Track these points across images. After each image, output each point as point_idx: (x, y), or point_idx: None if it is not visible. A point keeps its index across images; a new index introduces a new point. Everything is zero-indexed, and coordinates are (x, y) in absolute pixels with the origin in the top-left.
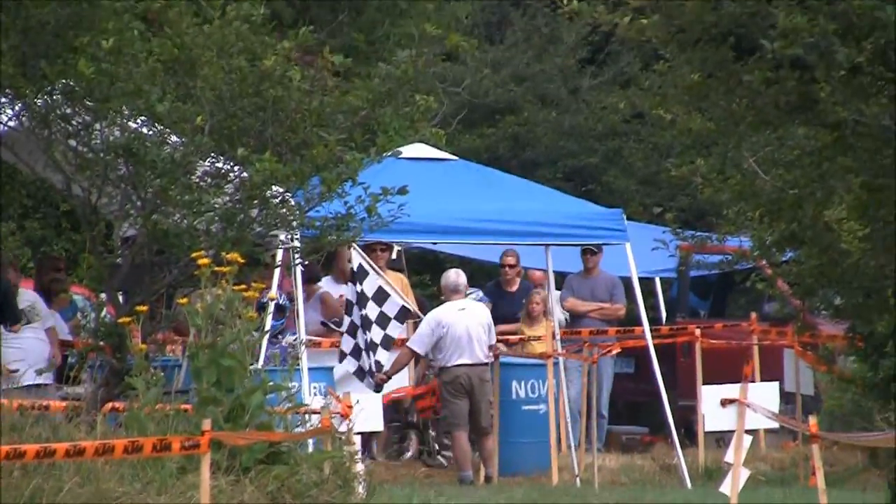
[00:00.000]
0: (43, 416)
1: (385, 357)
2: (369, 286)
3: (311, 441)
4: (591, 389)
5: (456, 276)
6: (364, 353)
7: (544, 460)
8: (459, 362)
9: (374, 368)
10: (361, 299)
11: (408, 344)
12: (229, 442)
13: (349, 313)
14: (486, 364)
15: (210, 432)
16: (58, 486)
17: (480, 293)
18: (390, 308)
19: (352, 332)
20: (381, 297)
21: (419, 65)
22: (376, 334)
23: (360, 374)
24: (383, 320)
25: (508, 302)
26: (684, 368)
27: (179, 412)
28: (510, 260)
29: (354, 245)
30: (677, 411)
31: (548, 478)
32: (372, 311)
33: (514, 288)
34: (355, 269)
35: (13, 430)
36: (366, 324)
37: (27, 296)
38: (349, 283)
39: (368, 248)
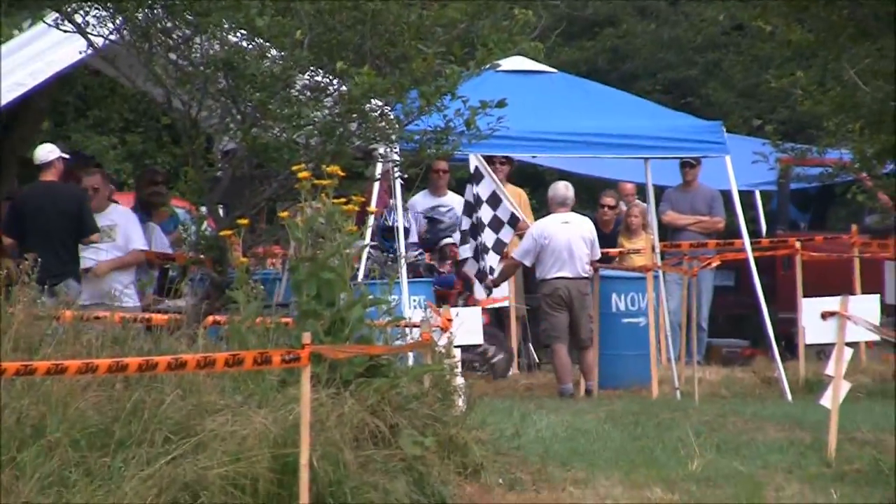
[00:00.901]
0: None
1: (496, 261)
2: (484, 189)
3: (410, 354)
4: (691, 302)
5: (565, 189)
6: (479, 255)
7: (644, 373)
8: (559, 275)
9: (487, 271)
10: (476, 201)
11: (512, 254)
12: (329, 355)
13: (468, 215)
14: (587, 278)
15: (310, 346)
16: (159, 399)
17: None
18: (503, 213)
19: (473, 234)
20: (494, 201)
21: None
22: (488, 238)
23: (481, 276)
24: (496, 224)
25: (604, 242)
26: (784, 281)
27: (280, 325)
28: (609, 201)
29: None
30: (777, 324)
31: (648, 390)
32: (486, 214)
33: (610, 229)
34: (472, 170)
35: (115, 343)
36: (479, 227)
37: (114, 215)
38: (469, 184)
39: (488, 161)
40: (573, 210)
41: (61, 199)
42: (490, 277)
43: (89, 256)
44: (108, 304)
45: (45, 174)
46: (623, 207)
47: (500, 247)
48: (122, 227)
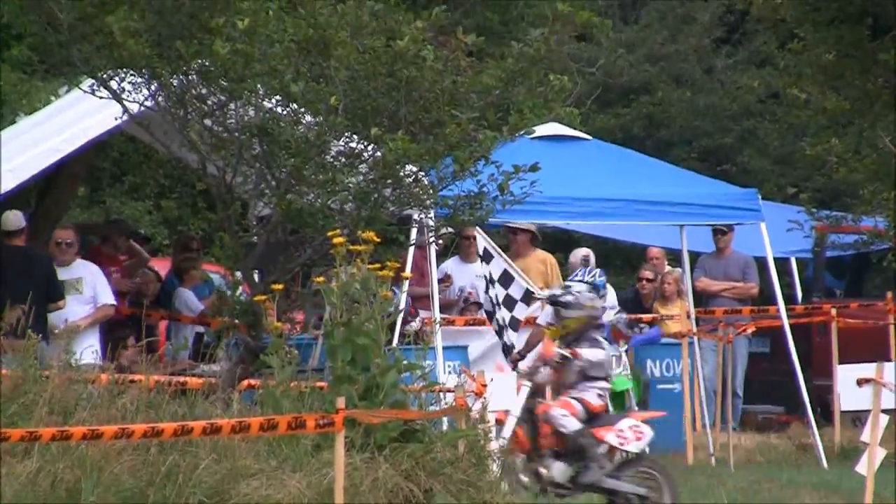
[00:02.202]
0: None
1: (514, 337)
2: (495, 269)
3: (445, 419)
4: (727, 368)
5: (585, 254)
6: (503, 331)
7: (679, 439)
8: None
9: (511, 346)
10: (489, 281)
11: (538, 321)
12: (364, 420)
13: (487, 292)
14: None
15: (345, 410)
16: (194, 463)
17: (623, 314)
18: (515, 291)
19: (492, 310)
20: (506, 279)
21: (552, 43)
22: (504, 316)
23: (505, 350)
24: (509, 302)
25: (644, 314)
26: (820, 348)
27: (314, 390)
28: (647, 274)
29: (478, 230)
30: (813, 390)
31: (683, 457)
32: (499, 293)
33: (650, 302)
34: (480, 252)
35: (150, 408)
36: (498, 304)
37: (80, 269)
38: (482, 263)
39: (509, 231)
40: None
41: (33, 264)
42: (512, 355)
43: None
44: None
45: (15, 240)
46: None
47: (515, 324)
48: (88, 281)
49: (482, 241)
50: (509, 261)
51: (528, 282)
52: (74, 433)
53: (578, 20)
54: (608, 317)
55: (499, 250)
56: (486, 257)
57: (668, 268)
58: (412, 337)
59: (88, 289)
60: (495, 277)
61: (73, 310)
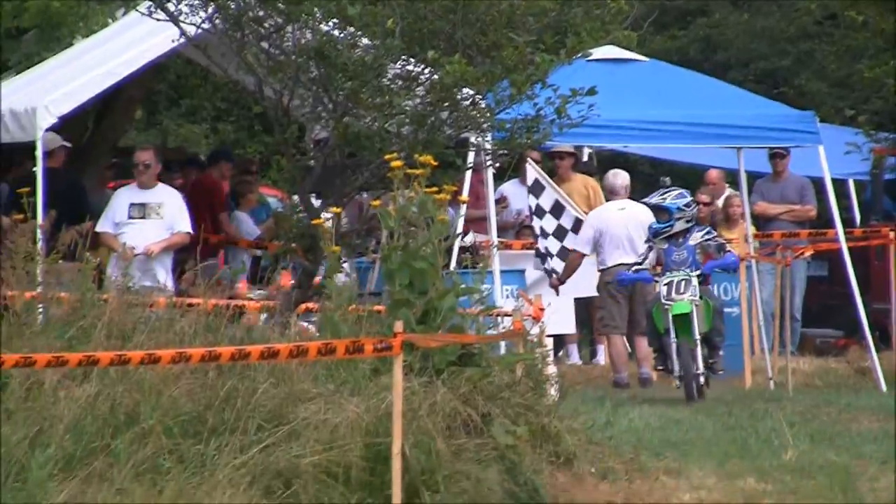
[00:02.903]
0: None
1: (560, 266)
2: (546, 200)
3: (502, 343)
4: (785, 292)
5: (613, 177)
6: (545, 259)
7: (738, 363)
8: (620, 261)
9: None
10: (539, 212)
11: (573, 246)
12: (422, 344)
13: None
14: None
15: (402, 334)
16: (252, 387)
17: (714, 237)
18: (567, 220)
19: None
20: (557, 210)
21: None
22: (552, 245)
23: (548, 276)
24: (561, 233)
25: None
26: (878, 271)
27: (372, 314)
28: (703, 198)
29: (529, 160)
30: (871, 314)
31: (741, 380)
32: (549, 224)
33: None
34: (529, 183)
35: (208, 331)
36: (543, 234)
37: (162, 194)
38: (529, 195)
39: (552, 156)
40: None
41: (64, 186)
42: (552, 280)
43: (133, 234)
44: (151, 284)
45: (50, 161)
46: (718, 204)
47: (564, 254)
48: (168, 207)
49: (533, 171)
50: (560, 191)
51: (578, 209)
52: (132, 357)
53: None
54: (695, 239)
55: (550, 181)
56: (536, 189)
57: (728, 190)
58: (469, 259)
59: (168, 216)
60: (546, 209)
61: (153, 234)
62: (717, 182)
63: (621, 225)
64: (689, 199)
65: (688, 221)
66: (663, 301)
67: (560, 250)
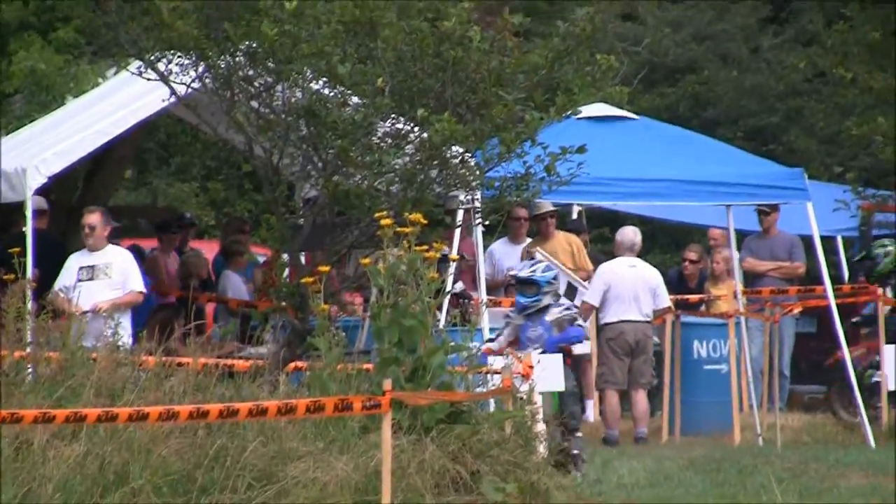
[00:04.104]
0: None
1: None
2: (560, 284)
3: (492, 401)
4: (773, 348)
5: (633, 234)
6: None
7: (726, 420)
8: (624, 318)
9: None
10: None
11: (584, 299)
12: (410, 402)
13: None
14: (649, 322)
15: (391, 392)
16: (241, 446)
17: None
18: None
19: None
20: (571, 292)
21: (598, 22)
22: None
23: None
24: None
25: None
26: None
27: (361, 372)
28: (691, 255)
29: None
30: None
31: (730, 437)
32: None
33: (694, 283)
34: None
35: (197, 390)
36: None
37: (110, 254)
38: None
39: (538, 219)
40: (647, 255)
41: (48, 249)
42: None
43: (83, 296)
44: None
45: (37, 222)
46: (708, 261)
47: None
48: (118, 266)
49: (541, 257)
50: (570, 273)
51: (573, 276)
52: (120, 414)
53: None
54: (552, 315)
55: (560, 265)
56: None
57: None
58: (458, 314)
59: (118, 275)
60: (561, 292)
61: (102, 294)
62: (718, 238)
63: (629, 282)
64: (555, 272)
65: (554, 296)
66: None
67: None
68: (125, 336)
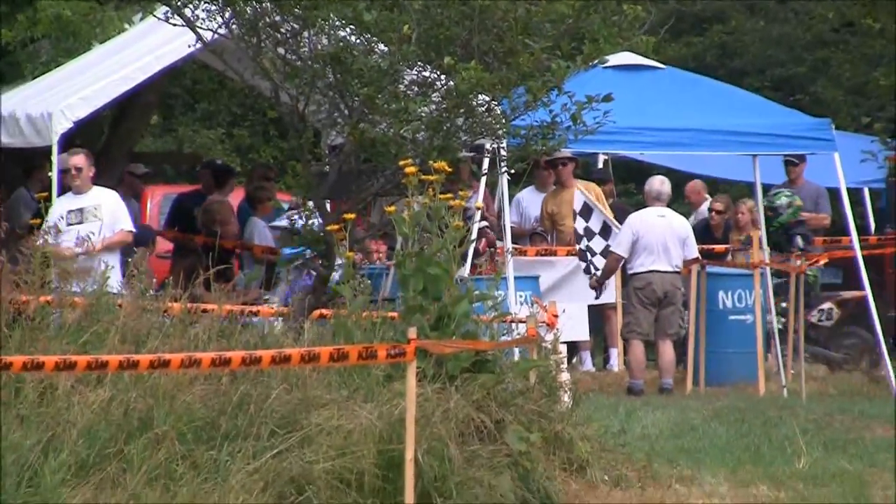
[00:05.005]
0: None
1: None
2: (595, 223)
3: (516, 350)
4: (799, 299)
5: (660, 183)
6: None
7: (751, 370)
8: (653, 268)
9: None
10: (588, 234)
11: (611, 249)
12: (435, 350)
13: (577, 242)
14: (679, 272)
15: (416, 340)
16: (265, 393)
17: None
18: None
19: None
20: (606, 231)
21: None
22: (599, 263)
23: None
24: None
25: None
26: (893, 279)
27: (386, 320)
28: (717, 206)
29: (578, 186)
30: (886, 322)
31: (755, 388)
32: (598, 244)
33: (720, 233)
34: (578, 208)
35: (221, 336)
36: (591, 253)
37: (98, 195)
38: (578, 218)
39: (552, 163)
40: (673, 206)
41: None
42: (594, 277)
43: (73, 239)
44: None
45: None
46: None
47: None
48: (106, 207)
49: (581, 196)
50: (608, 214)
51: (615, 223)
52: (141, 361)
53: None
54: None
55: (597, 204)
56: (585, 212)
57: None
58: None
59: (108, 216)
60: (596, 230)
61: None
62: (698, 192)
63: (659, 232)
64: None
65: None
66: None
67: (604, 249)
68: (114, 277)
